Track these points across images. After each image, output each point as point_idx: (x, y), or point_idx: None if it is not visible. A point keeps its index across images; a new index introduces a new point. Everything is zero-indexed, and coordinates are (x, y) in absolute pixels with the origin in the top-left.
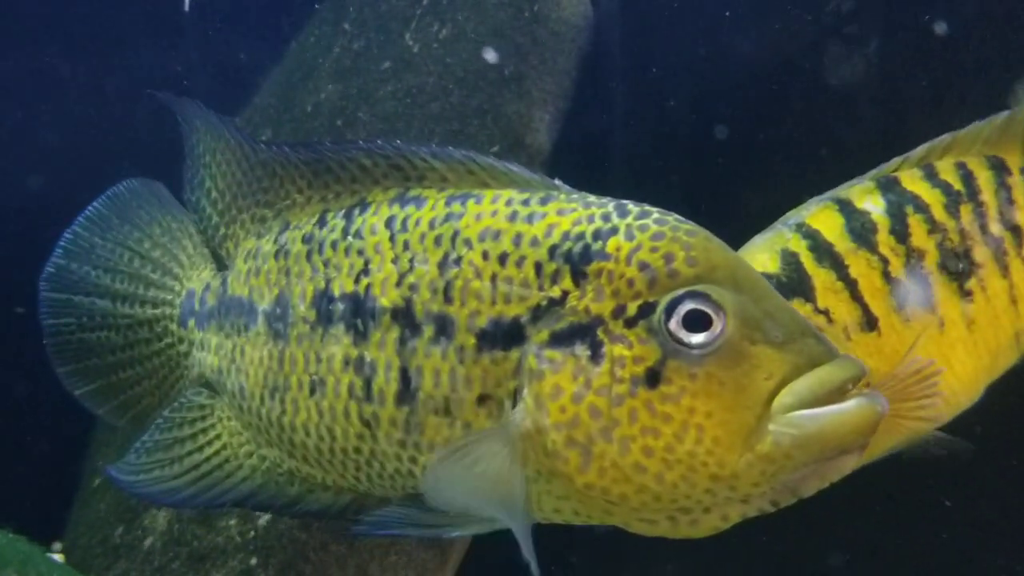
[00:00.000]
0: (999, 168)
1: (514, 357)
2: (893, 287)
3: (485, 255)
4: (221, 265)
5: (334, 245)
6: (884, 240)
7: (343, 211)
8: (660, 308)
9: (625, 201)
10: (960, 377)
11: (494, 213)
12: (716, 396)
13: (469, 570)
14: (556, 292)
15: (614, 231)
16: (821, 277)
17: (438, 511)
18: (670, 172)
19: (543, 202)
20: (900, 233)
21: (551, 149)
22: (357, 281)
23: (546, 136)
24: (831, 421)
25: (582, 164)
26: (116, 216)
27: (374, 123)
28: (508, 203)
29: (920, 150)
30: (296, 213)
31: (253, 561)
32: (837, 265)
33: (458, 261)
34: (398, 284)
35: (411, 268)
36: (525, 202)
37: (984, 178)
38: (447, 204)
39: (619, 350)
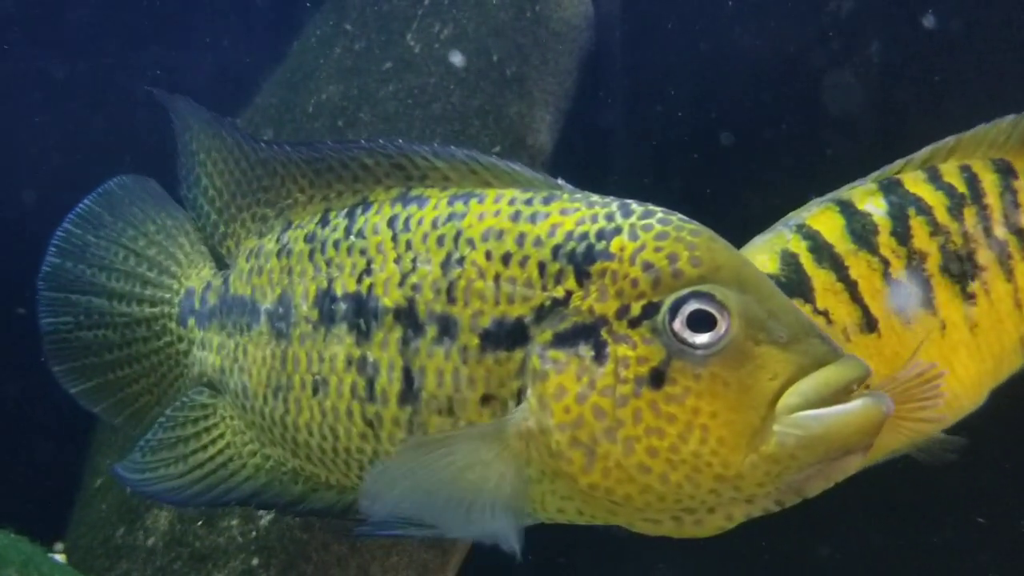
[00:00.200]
0: (1005, 172)
1: (518, 357)
2: (893, 289)
3: (488, 255)
4: (220, 263)
5: (336, 244)
6: (885, 242)
7: (345, 210)
8: (664, 308)
9: (629, 200)
10: (963, 380)
11: (497, 213)
12: (721, 396)
13: (470, 570)
14: (560, 292)
15: (618, 231)
16: (821, 278)
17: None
18: (671, 172)
19: (546, 202)
20: (902, 235)
21: (552, 149)
22: (360, 281)
23: (547, 136)
24: (836, 422)
25: (583, 164)
26: (108, 213)
27: (375, 123)
28: (511, 203)
29: (924, 152)
30: (298, 212)
31: (255, 561)
32: (837, 266)
33: (461, 261)
34: (401, 284)
35: (414, 268)
36: (528, 202)
37: (989, 181)
38: (450, 204)
39: (623, 350)
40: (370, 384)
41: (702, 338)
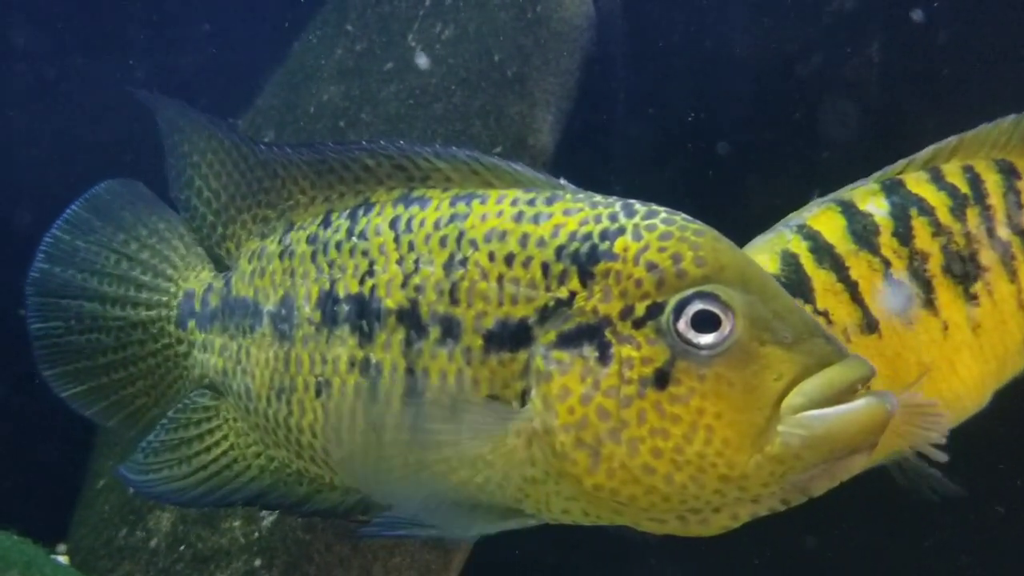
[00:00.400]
0: (1008, 172)
1: (521, 358)
2: (894, 289)
3: (491, 256)
4: (218, 265)
5: (339, 246)
6: (887, 242)
7: (347, 211)
8: (668, 309)
9: (632, 201)
10: (965, 382)
11: (500, 213)
12: (725, 397)
13: (471, 571)
14: (563, 293)
15: (621, 231)
16: (821, 278)
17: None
18: (673, 172)
19: (549, 202)
20: (903, 235)
21: (554, 149)
22: (362, 282)
23: (549, 136)
24: (840, 421)
25: (585, 164)
26: (97, 218)
27: (377, 124)
28: (514, 203)
29: (926, 152)
30: (300, 213)
31: (257, 562)
32: (838, 266)
33: (464, 262)
34: (403, 285)
35: (416, 269)
36: (531, 202)
37: (992, 182)
38: (452, 204)
39: (627, 351)
40: (373, 386)
41: (706, 338)
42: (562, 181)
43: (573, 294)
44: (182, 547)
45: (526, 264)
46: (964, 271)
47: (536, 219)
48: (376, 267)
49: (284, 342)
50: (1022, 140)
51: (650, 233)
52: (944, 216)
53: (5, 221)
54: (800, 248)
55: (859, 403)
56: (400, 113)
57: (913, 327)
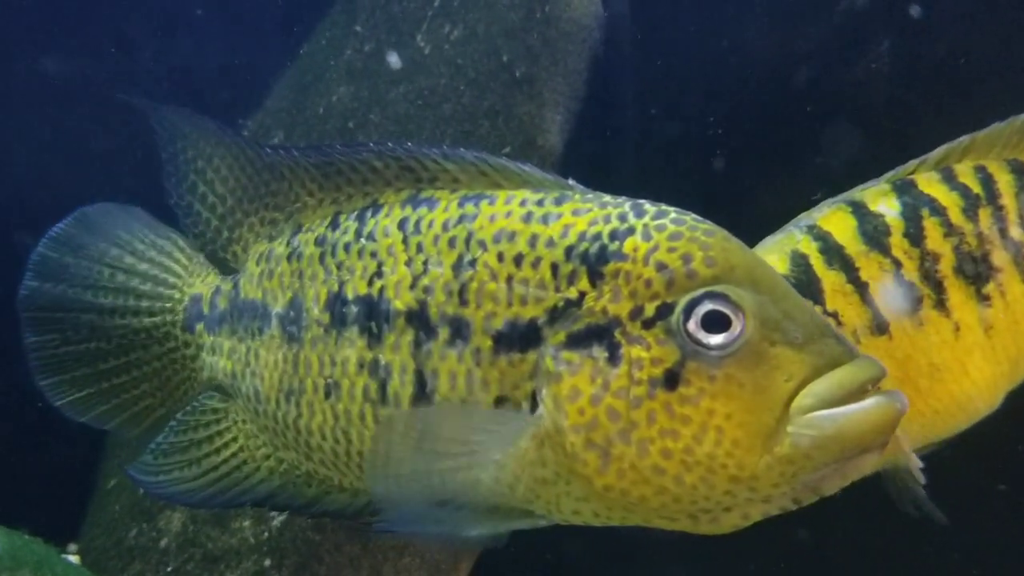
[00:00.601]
0: (1020, 172)
1: (531, 359)
2: (904, 290)
3: (500, 256)
4: (223, 271)
5: (347, 247)
6: (897, 243)
7: (355, 213)
8: (678, 309)
9: (641, 201)
10: (977, 383)
11: (508, 214)
12: (735, 398)
13: (481, 571)
14: (573, 293)
15: (631, 231)
16: (830, 279)
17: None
18: (681, 172)
19: (558, 202)
20: (914, 236)
21: (563, 150)
22: (371, 284)
23: (558, 137)
24: (849, 421)
25: (594, 164)
26: (87, 235)
27: (386, 125)
28: (522, 204)
29: (938, 152)
30: (308, 215)
31: (267, 563)
32: (847, 267)
33: (473, 263)
34: (412, 287)
35: (425, 270)
36: (539, 202)
37: (1005, 182)
38: (460, 205)
39: (637, 351)
40: (382, 387)
41: (716, 339)
42: (571, 181)
43: (583, 294)
44: (192, 547)
45: (535, 265)
46: (976, 272)
47: (545, 219)
48: (385, 268)
49: (293, 344)
50: None
51: (660, 233)
52: (956, 216)
53: (7, 222)
54: (810, 249)
55: (869, 402)
56: (409, 114)
57: (923, 328)
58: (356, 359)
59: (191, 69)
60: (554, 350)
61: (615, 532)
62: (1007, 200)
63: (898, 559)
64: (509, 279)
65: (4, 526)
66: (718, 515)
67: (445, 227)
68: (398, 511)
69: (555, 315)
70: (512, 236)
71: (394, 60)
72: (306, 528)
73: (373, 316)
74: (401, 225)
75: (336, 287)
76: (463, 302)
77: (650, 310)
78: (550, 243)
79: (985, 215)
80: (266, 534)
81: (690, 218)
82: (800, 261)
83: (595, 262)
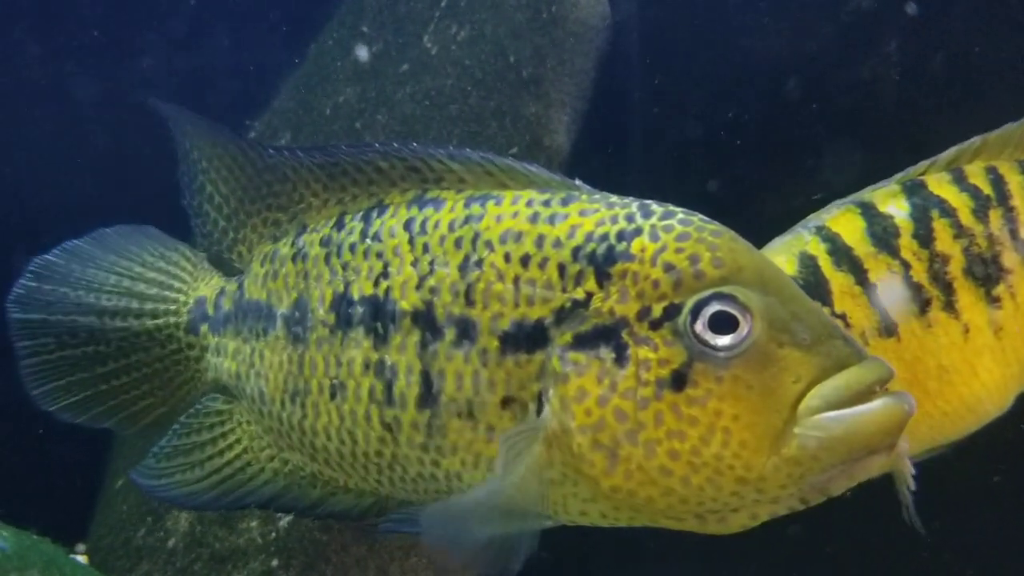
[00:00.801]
0: None
1: (538, 360)
2: (913, 292)
3: (507, 257)
4: (230, 273)
5: (352, 248)
6: (907, 244)
7: (361, 213)
8: (686, 310)
9: (648, 201)
10: (987, 385)
11: (515, 214)
12: (743, 399)
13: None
14: (580, 294)
15: (638, 232)
16: (839, 281)
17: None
18: (689, 173)
19: (564, 203)
20: (924, 237)
21: (570, 150)
22: (376, 284)
23: (564, 137)
24: (857, 422)
25: (601, 165)
26: (98, 248)
27: (392, 125)
28: (529, 204)
29: (949, 153)
30: (313, 216)
31: (274, 563)
32: (856, 269)
33: (479, 263)
34: (418, 287)
35: (431, 271)
36: (546, 203)
37: (1016, 183)
38: (466, 206)
39: (644, 352)
40: (388, 388)
41: (724, 340)
42: (577, 182)
43: (590, 295)
44: (200, 547)
45: (542, 265)
46: (986, 273)
47: (552, 220)
48: (391, 269)
49: (298, 345)
50: None
51: (667, 234)
52: (966, 218)
53: (8, 222)
54: (818, 250)
55: (876, 404)
56: (416, 114)
57: (932, 330)
58: (362, 360)
59: (198, 70)
60: (561, 351)
61: (617, 532)
62: (1018, 201)
63: (898, 558)
64: (516, 280)
65: (12, 526)
66: (726, 515)
67: (451, 227)
68: (404, 511)
69: (562, 316)
70: (519, 236)
71: (363, 54)
72: (313, 528)
73: (379, 317)
74: (407, 225)
75: (342, 288)
76: (469, 303)
77: (657, 311)
78: (557, 244)
79: (996, 216)
80: (273, 534)
81: (697, 219)
82: (808, 262)
83: (602, 263)
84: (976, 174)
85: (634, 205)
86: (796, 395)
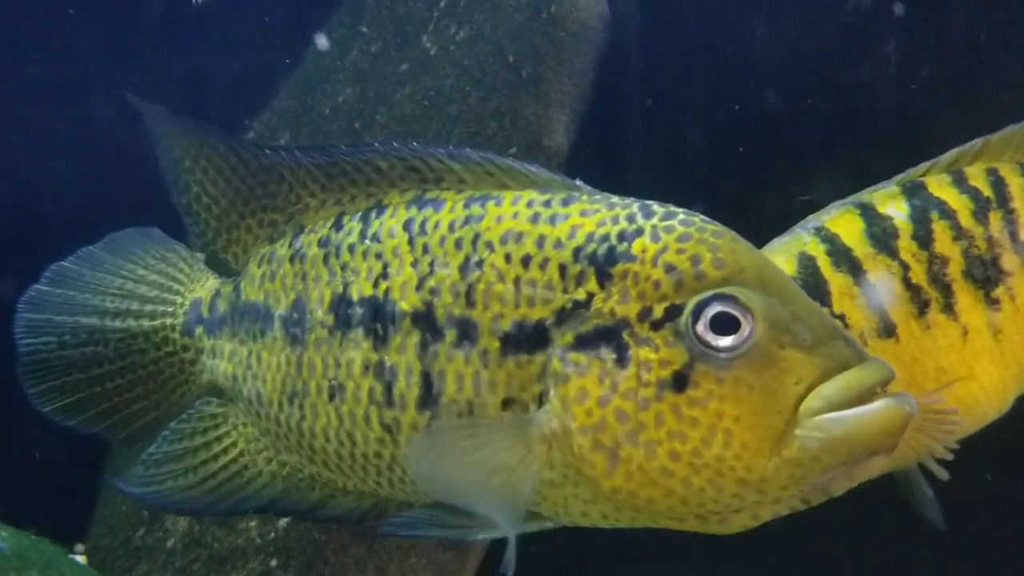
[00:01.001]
0: None
1: (539, 360)
2: (913, 294)
3: (508, 257)
4: (226, 274)
5: (352, 249)
6: (906, 246)
7: (360, 214)
8: (687, 311)
9: (649, 202)
10: (985, 387)
11: (515, 215)
12: (744, 400)
13: (487, 572)
14: (581, 294)
15: (639, 232)
16: (837, 281)
17: (463, 513)
18: (688, 173)
19: (565, 203)
20: (923, 239)
21: (569, 150)
22: (376, 285)
23: (564, 137)
24: (858, 423)
25: (600, 166)
26: (108, 252)
27: (391, 125)
28: (529, 204)
29: (949, 155)
30: (311, 216)
31: (273, 563)
32: (855, 270)
33: (480, 264)
34: (418, 288)
35: (431, 271)
36: (547, 203)
37: (1016, 185)
38: (466, 206)
39: (645, 353)
40: (388, 389)
41: (725, 341)
42: (578, 182)
43: (591, 295)
44: (199, 547)
45: (543, 266)
46: (985, 275)
47: (552, 220)
48: (390, 269)
49: (296, 346)
50: None
51: (668, 234)
52: (966, 219)
53: (9, 223)
54: (817, 251)
55: (877, 405)
56: (415, 114)
57: (930, 331)
58: (361, 361)
59: (197, 70)
60: (562, 351)
61: (618, 532)
62: (1018, 203)
63: (898, 558)
64: (516, 280)
65: (11, 526)
66: (727, 516)
67: (451, 228)
68: (403, 514)
69: (563, 316)
70: (519, 237)
71: (322, 42)
72: (312, 529)
73: (378, 318)
74: (406, 226)
75: (340, 288)
76: (470, 303)
77: (659, 311)
78: (558, 244)
79: (995, 218)
80: (272, 534)
81: (699, 219)
82: (808, 263)
83: (603, 263)
84: (977, 176)
85: (635, 205)
86: (797, 396)
